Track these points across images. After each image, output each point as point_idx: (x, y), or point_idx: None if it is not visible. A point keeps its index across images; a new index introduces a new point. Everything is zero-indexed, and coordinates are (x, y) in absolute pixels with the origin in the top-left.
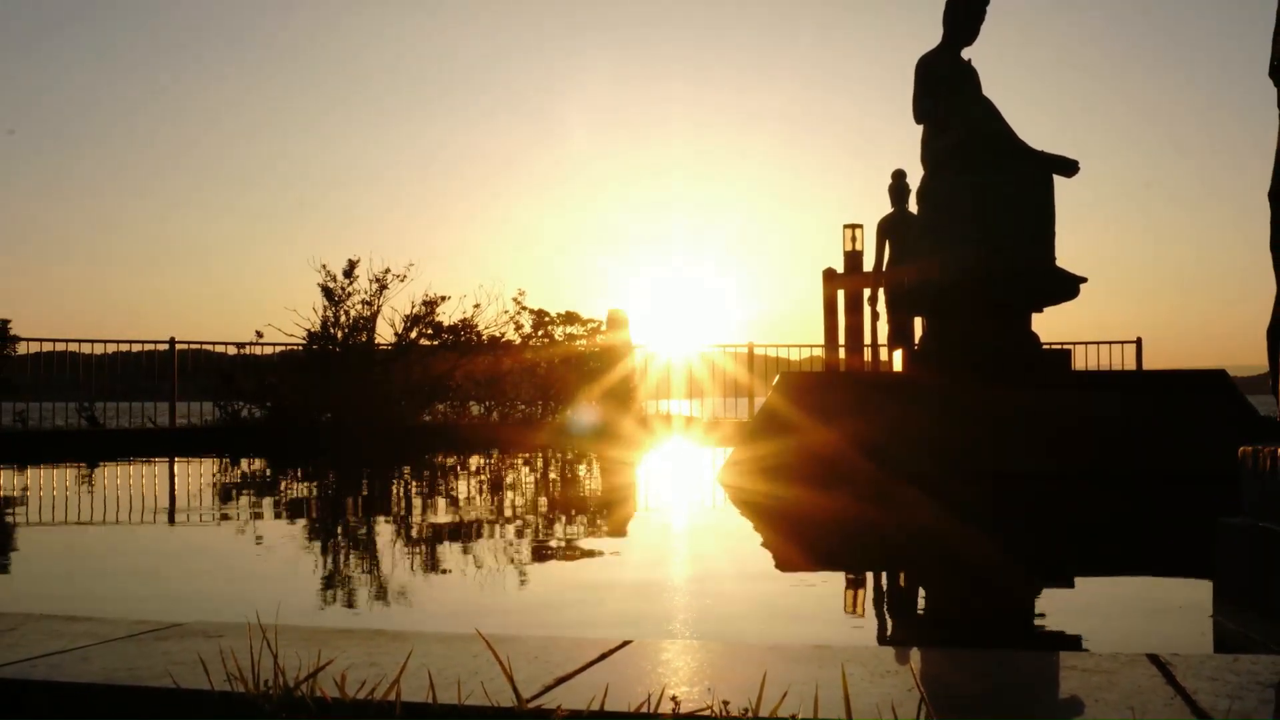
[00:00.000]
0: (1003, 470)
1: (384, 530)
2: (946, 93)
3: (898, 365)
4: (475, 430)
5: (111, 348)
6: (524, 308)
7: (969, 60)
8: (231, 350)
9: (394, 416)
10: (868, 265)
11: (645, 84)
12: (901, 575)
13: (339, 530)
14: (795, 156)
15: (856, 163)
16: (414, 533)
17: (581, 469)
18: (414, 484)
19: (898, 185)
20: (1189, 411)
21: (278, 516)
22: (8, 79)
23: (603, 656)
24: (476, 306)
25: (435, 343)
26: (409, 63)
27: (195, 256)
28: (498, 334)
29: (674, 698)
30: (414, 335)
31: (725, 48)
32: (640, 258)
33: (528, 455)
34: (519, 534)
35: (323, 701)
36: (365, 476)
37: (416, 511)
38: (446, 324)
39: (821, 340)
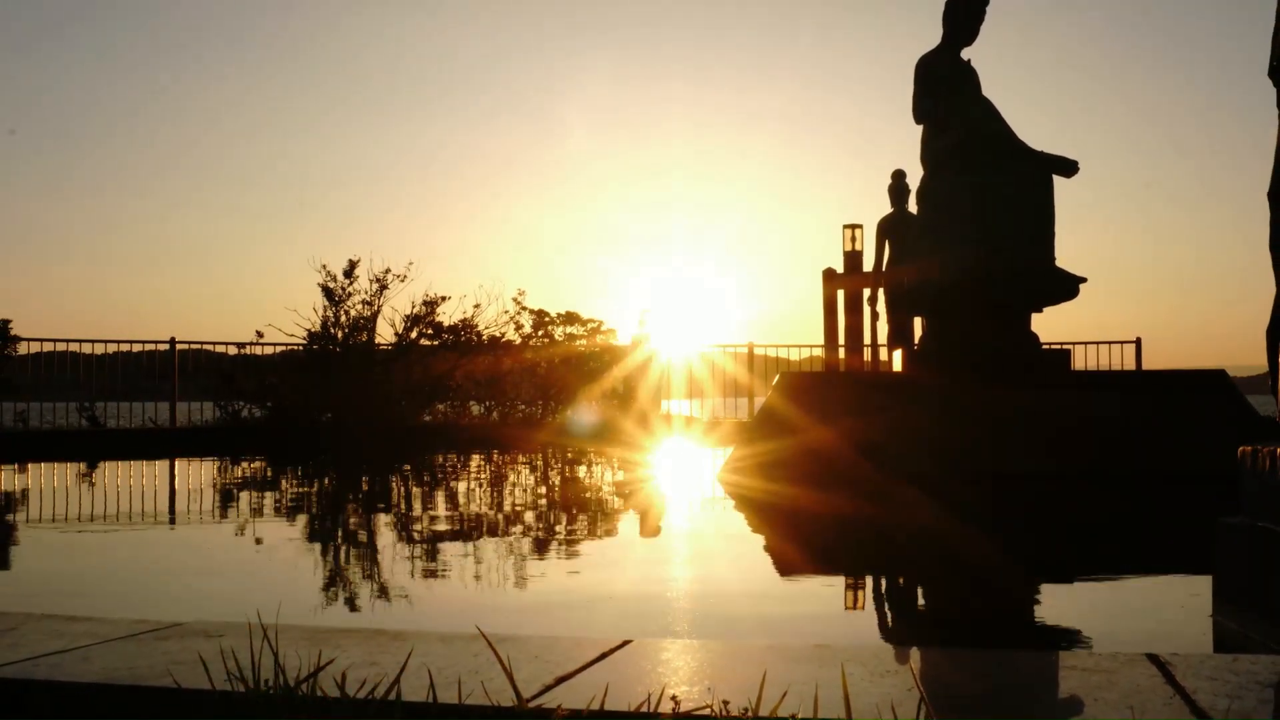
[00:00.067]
0: (1002, 470)
1: (384, 530)
2: (946, 93)
3: (898, 365)
4: (475, 430)
5: (112, 348)
6: (524, 308)
7: (969, 60)
8: (232, 350)
9: (394, 416)
10: (868, 265)
11: (645, 84)
12: (901, 575)
13: (339, 530)
14: (795, 157)
15: (856, 163)
16: (414, 532)
17: (581, 469)
18: (414, 484)
19: (898, 185)
20: (1189, 411)
21: (278, 516)
22: (8, 79)
23: (603, 656)
24: (477, 306)
25: (435, 343)
26: (409, 63)
27: (195, 256)
28: (498, 334)
29: (674, 697)
30: (414, 335)
31: (725, 48)
32: (640, 258)
33: (528, 455)
34: (519, 533)
35: (323, 701)
36: (365, 476)
37: (417, 511)
38: (447, 324)
39: (821, 340)
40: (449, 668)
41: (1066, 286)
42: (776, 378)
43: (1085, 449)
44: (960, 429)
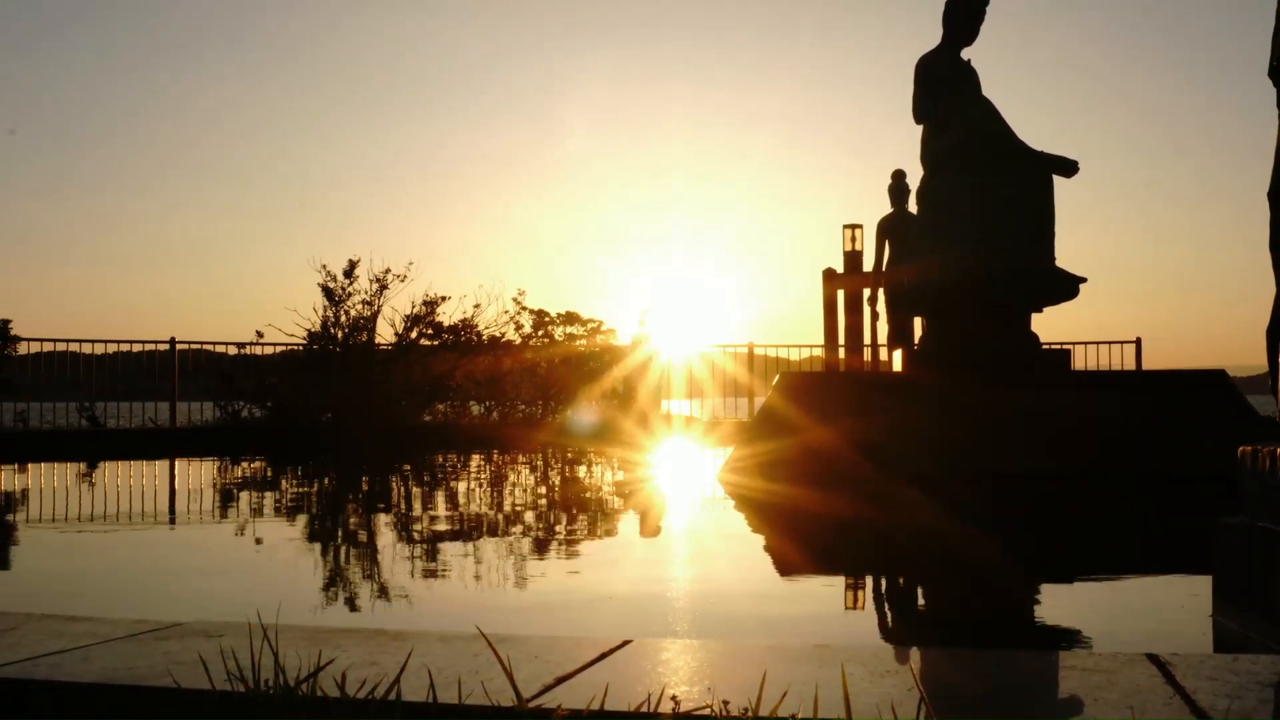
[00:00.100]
0: (1002, 470)
1: (384, 530)
2: (946, 93)
3: (898, 365)
4: (475, 430)
5: (112, 348)
6: (524, 308)
7: (969, 60)
8: (232, 350)
9: (394, 416)
10: (868, 265)
11: (645, 84)
12: (901, 575)
13: (339, 530)
14: (795, 157)
15: (856, 163)
16: (414, 532)
17: (581, 469)
18: (414, 484)
19: (898, 185)
20: (1188, 411)
21: (278, 516)
22: (8, 79)
23: (603, 656)
24: (477, 306)
25: (435, 343)
26: (409, 63)
27: (196, 256)
28: (498, 334)
29: (674, 697)
30: (414, 335)
31: (725, 48)
32: (640, 258)
33: (528, 455)
34: (519, 533)
35: (323, 701)
36: (365, 476)
37: (416, 511)
38: (447, 324)
39: (821, 340)
40: (449, 668)
41: (1066, 286)
42: (776, 378)
43: (1085, 449)
44: (960, 429)
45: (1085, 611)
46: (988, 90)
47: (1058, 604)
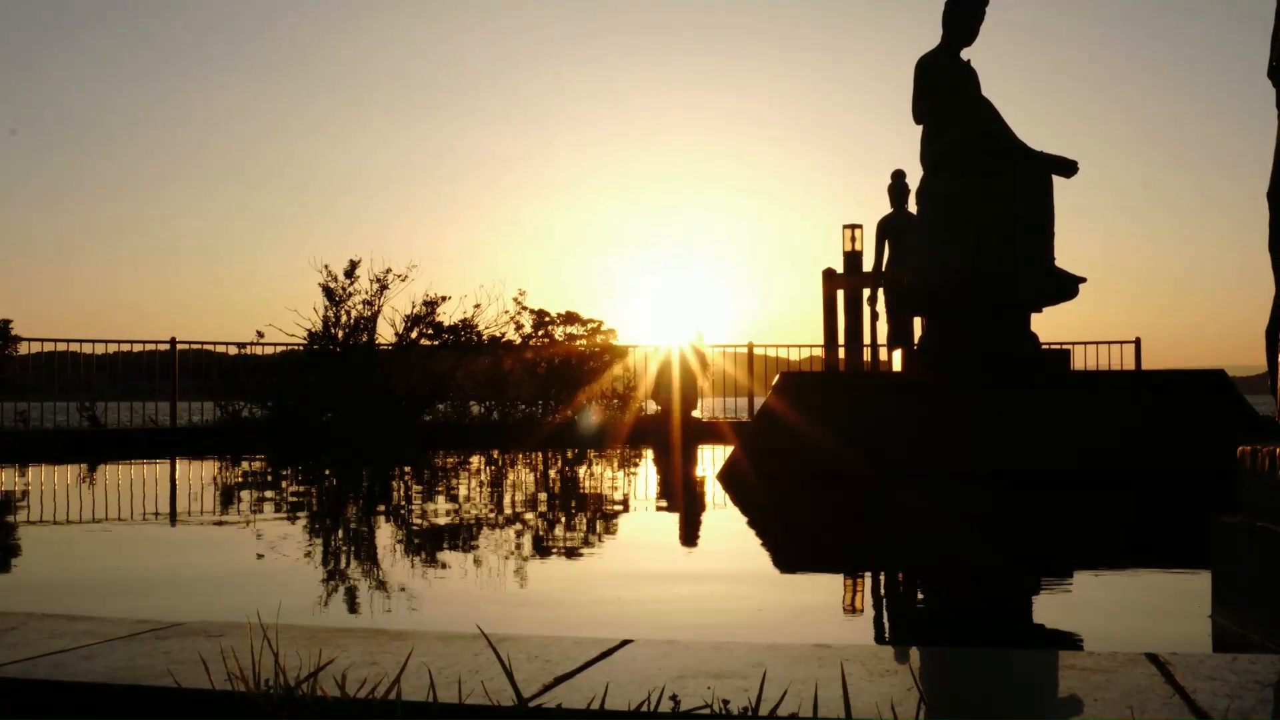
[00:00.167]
0: (1002, 470)
1: (385, 529)
2: (946, 93)
3: (897, 365)
4: (476, 430)
5: (113, 348)
6: (524, 308)
7: (968, 61)
8: (232, 350)
9: (395, 416)
10: (867, 265)
11: (646, 86)
12: (900, 575)
13: (340, 530)
14: (795, 157)
15: (856, 163)
16: (414, 532)
17: (581, 469)
18: (414, 484)
19: (897, 185)
20: (1188, 411)
21: (279, 516)
22: (10, 79)
23: (603, 655)
24: (477, 306)
25: (436, 343)
26: (417, 65)
27: (197, 257)
28: (498, 334)
29: (674, 696)
30: (415, 335)
31: (727, 50)
32: (641, 258)
33: (528, 455)
34: (519, 533)
35: (324, 700)
36: (366, 476)
37: (417, 511)
38: (447, 324)
39: (821, 340)
40: (449, 667)
41: (1066, 286)
42: (776, 378)
43: (1085, 448)
44: (960, 429)
45: (1085, 611)
46: (987, 90)
47: (1057, 603)
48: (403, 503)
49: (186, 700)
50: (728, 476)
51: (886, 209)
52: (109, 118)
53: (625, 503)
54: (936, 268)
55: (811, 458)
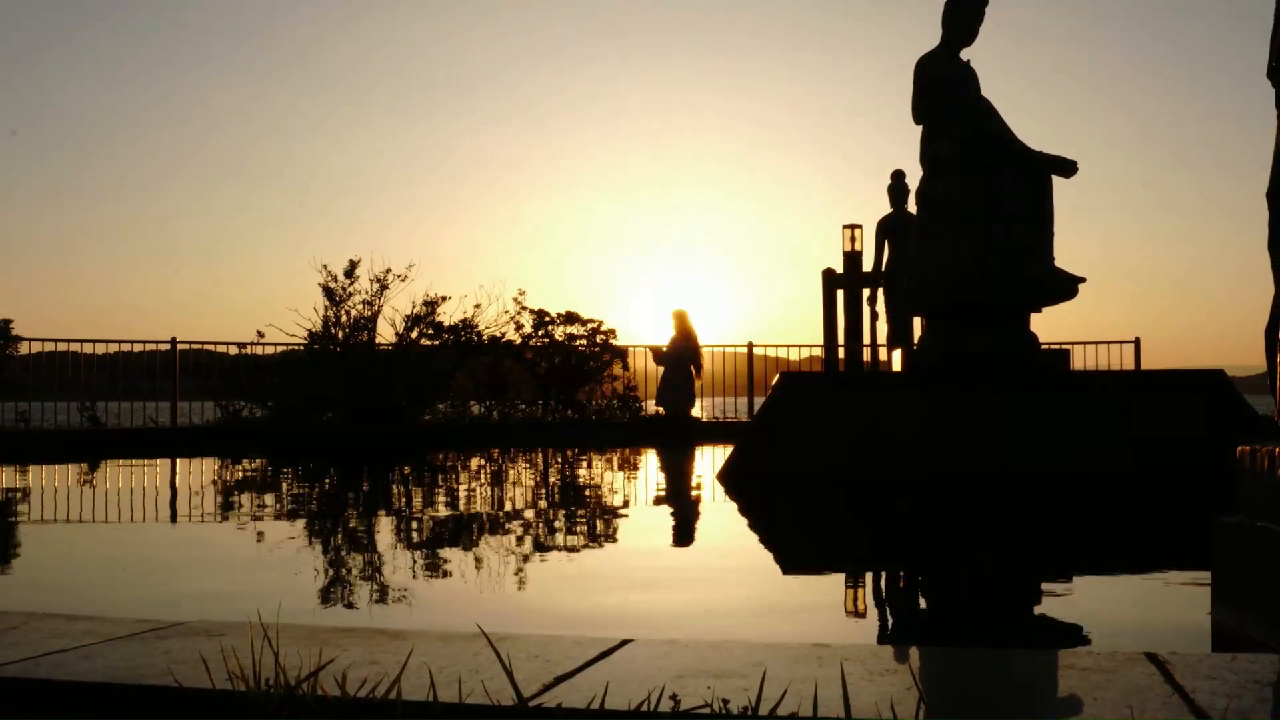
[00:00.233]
0: (1002, 470)
1: (385, 529)
2: (945, 93)
3: (897, 365)
4: (476, 430)
5: (113, 348)
6: (524, 307)
7: (968, 61)
8: (233, 350)
9: (395, 416)
10: (867, 265)
11: (646, 86)
12: (900, 574)
13: (340, 529)
14: (795, 157)
15: (856, 163)
16: (415, 532)
17: (581, 469)
18: (415, 484)
19: (897, 185)
20: (1188, 411)
21: (279, 516)
22: (10, 79)
23: (603, 655)
24: (477, 306)
25: (436, 342)
26: (418, 66)
27: (197, 257)
28: (498, 334)
29: (674, 696)
30: (415, 335)
31: (726, 49)
32: (641, 258)
33: (528, 455)
34: (519, 533)
35: (324, 700)
36: (366, 476)
37: (417, 511)
38: (447, 324)
39: (821, 340)
40: (449, 667)
41: (1065, 286)
42: (776, 377)
43: (1084, 448)
44: (960, 429)
45: (1084, 611)
46: (987, 91)
47: (1057, 603)
48: (403, 503)
49: (187, 700)
50: (727, 476)
51: (886, 209)
52: (109, 118)
53: (625, 502)
54: (936, 268)
55: (811, 458)
